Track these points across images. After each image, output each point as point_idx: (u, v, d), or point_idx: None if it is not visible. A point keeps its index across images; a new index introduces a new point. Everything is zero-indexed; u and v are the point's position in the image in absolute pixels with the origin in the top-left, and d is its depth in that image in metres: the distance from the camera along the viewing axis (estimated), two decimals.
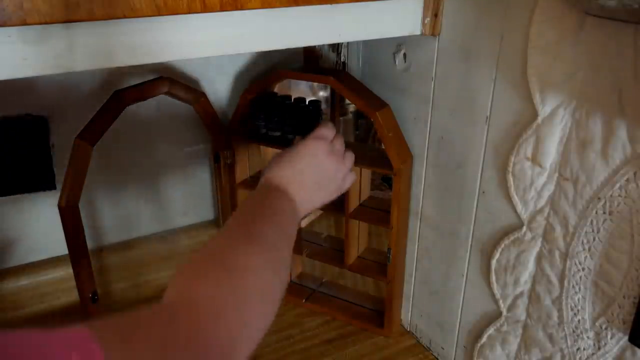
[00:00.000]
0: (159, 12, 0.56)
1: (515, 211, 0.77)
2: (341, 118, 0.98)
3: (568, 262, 0.71)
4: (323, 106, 1.07)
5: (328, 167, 0.75)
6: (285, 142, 1.04)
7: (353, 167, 0.83)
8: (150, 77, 0.98)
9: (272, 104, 1.03)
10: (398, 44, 0.94)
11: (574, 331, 0.73)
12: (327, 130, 0.78)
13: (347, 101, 1.13)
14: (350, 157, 0.81)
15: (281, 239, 0.63)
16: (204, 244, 0.57)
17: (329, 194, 0.77)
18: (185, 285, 0.51)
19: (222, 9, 0.60)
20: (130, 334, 0.41)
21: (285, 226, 0.65)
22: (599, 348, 0.70)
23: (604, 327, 0.68)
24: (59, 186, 1.02)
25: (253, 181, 1.16)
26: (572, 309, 0.72)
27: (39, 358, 0.33)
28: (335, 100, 1.16)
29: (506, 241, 0.80)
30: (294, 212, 0.69)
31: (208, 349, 0.46)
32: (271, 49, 0.70)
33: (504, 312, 0.84)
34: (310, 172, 0.73)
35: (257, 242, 0.58)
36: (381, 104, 0.96)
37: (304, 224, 1.31)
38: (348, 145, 0.87)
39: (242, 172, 1.14)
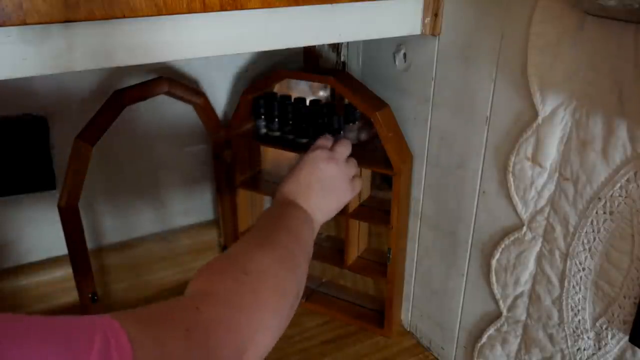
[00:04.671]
0: (158, 12, 0.56)
1: (516, 211, 0.77)
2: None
3: (568, 262, 0.71)
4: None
5: (329, 172, 0.78)
6: (285, 142, 1.04)
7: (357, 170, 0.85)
8: (150, 77, 0.98)
9: (272, 104, 1.03)
10: (398, 44, 0.94)
11: (574, 331, 0.73)
12: (323, 140, 0.82)
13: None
14: (352, 162, 0.84)
15: (293, 240, 0.66)
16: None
17: (338, 198, 0.80)
18: (206, 281, 0.54)
19: (222, 8, 0.60)
20: (155, 320, 0.43)
21: (296, 230, 0.68)
22: (600, 348, 0.70)
23: (604, 327, 0.68)
24: (59, 186, 1.01)
25: (253, 181, 1.16)
26: (572, 309, 0.72)
27: (64, 336, 0.33)
28: (335, 100, 1.16)
29: (506, 241, 0.80)
30: (306, 219, 0.72)
31: (229, 338, 0.48)
32: (271, 49, 0.70)
33: (504, 312, 0.84)
34: (313, 180, 0.76)
35: (270, 245, 0.62)
36: (381, 104, 0.96)
37: None
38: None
39: (242, 172, 1.14)
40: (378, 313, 1.11)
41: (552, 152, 0.70)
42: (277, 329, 0.56)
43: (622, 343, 0.67)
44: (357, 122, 1.00)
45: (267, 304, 0.55)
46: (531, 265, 0.77)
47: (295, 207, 0.72)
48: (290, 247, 0.65)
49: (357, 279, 1.23)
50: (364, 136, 1.04)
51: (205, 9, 0.59)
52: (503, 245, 0.80)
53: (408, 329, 1.10)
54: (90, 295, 0.91)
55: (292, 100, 1.04)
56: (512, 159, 0.75)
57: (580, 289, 0.70)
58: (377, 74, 1.02)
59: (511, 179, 0.76)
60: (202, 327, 0.46)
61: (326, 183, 0.77)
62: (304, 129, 1.01)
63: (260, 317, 0.53)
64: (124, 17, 0.54)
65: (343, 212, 1.03)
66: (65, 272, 1.05)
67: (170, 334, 0.43)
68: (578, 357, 0.73)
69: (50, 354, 0.32)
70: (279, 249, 0.63)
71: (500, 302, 0.84)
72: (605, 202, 0.64)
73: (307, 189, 0.75)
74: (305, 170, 0.77)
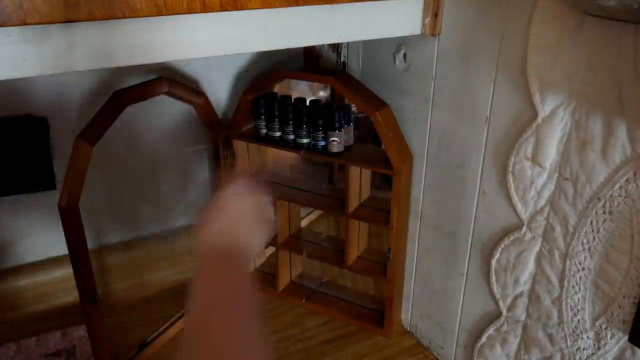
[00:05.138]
0: (158, 12, 0.56)
1: (515, 211, 0.77)
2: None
3: (568, 262, 0.71)
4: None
5: (241, 206, 0.70)
6: (285, 142, 1.04)
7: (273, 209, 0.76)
8: (150, 77, 0.98)
9: (272, 104, 1.03)
10: (398, 44, 0.94)
11: (573, 331, 0.73)
12: (229, 179, 0.71)
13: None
14: (265, 198, 0.73)
15: (258, 328, 0.59)
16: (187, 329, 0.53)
17: (260, 230, 0.70)
18: None
19: (222, 9, 0.60)
20: None
21: (254, 304, 0.60)
22: (599, 348, 0.70)
23: (603, 327, 0.68)
24: (59, 186, 1.02)
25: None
26: (572, 309, 0.72)
27: None
28: (335, 100, 1.16)
29: (506, 241, 0.80)
30: (247, 276, 0.64)
31: None
32: (271, 49, 0.70)
33: (504, 312, 0.84)
34: (232, 224, 0.68)
35: (241, 325, 0.56)
36: (381, 104, 0.96)
37: (303, 224, 1.31)
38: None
39: (242, 172, 1.14)
40: (378, 313, 1.11)
41: (551, 152, 0.70)
42: None
43: (621, 343, 0.67)
44: (351, 124, 1.00)
45: None
46: (531, 265, 0.77)
47: (232, 265, 0.62)
48: (262, 343, 0.59)
49: (357, 279, 1.23)
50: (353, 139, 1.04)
51: (205, 9, 0.59)
52: (503, 245, 0.80)
53: (408, 329, 1.10)
54: (90, 295, 0.91)
55: (292, 100, 1.04)
56: (512, 159, 0.75)
57: (579, 288, 0.70)
58: (377, 74, 1.02)
59: (511, 179, 0.76)
60: None
61: (242, 219, 0.70)
62: (304, 129, 1.01)
63: None
64: (124, 17, 0.54)
65: (343, 212, 1.03)
66: (65, 272, 1.05)
67: None
68: (577, 357, 0.73)
69: None
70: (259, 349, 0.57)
71: (500, 302, 0.84)
72: (605, 202, 0.64)
73: (228, 235, 0.67)
74: (222, 215, 0.69)
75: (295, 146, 1.03)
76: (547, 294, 0.75)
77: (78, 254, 0.88)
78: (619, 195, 0.62)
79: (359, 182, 1.04)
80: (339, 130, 0.97)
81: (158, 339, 1.04)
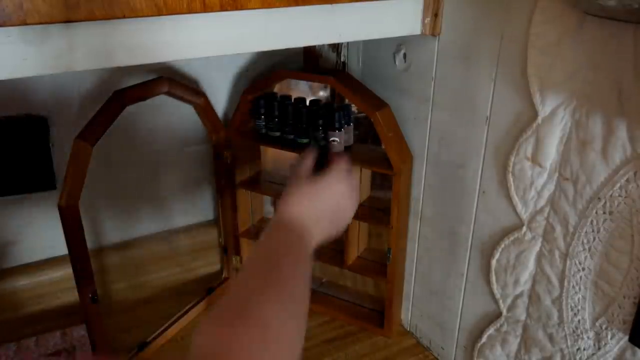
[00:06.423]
0: (159, 12, 0.56)
1: (515, 211, 0.77)
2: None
3: (568, 262, 0.71)
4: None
5: (345, 207, 0.72)
6: (285, 142, 1.04)
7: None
8: (150, 77, 0.98)
9: (272, 104, 1.03)
10: (398, 44, 0.94)
11: (574, 331, 0.73)
12: (347, 167, 0.74)
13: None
14: (358, 193, 0.78)
15: (303, 287, 0.61)
16: (228, 287, 0.56)
17: (338, 230, 0.74)
18: (218, 336, 0.50)
19: (222, 9, 0.60)
20: None
21: (305, 273, 0.63)
22: (599, 348, 0.70)
23: (604, 327, 0.68)
24: (59, 186, 1.02)
25: (253, 181, 1.16)
26: (572, 309, 0.72)
27: None
28: (335, 100, 1.16)
29: (506, 241, 0.80)
30: (309, 252, 0.67)
31: None
32: (271, 49, 0.70)
33: (504, 312, 0.84)
34: (328, 212, 0.70)
35: (282, 293, 0.58)
36: (381, 104, 0.96)
37: None
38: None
39: (242, 172, 1.14)
40: (378, 313, 1.11)
41: (552, 152, 0.70)
42: None
43: (621, 343, 0.67)
44: (351, 124, 1.00)
45: None
46: (531, 265, 0.77)
47: (302, 238, 0.66)
48: (300, 295, 0.59)
49: (357, 279, 1.23)
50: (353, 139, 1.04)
51: (205, 9, 0.59)
52: (503, 245, 0.80)
53: (408, 329, 1.10)
54: (90, 295, 0.91)
55: (292, 100, 1.04)
56: (512, 159, 0.75)
57: (580, 289, 0.70)
58: (377, 74, 1.02)
59: (511, 179, 0.76)
60: None
61: (338, 216, 0.71)
62: (304, 129, 1.01)
63: None
64: (124, 17, 0.54)
65: None
66: (65, 272, 1.05)
67: None
68: (578, 357, 0.73)
69: None
70: (290, 298, 0.58)
71: (500, 302, 0.84)
72: (605, 202, 0.64)
73: (318, 219, 0.68)
74: (326, 199, 0.70)
75: (295, 146, 1.03)
76: (547, 294, 0.75)
77: (78, 254, 0.88)
78: (619, 195, 0.62)
79: (359, 182, 1.04)
80: (339, 130, 0.97)
81: (158, 339, 1.05)
